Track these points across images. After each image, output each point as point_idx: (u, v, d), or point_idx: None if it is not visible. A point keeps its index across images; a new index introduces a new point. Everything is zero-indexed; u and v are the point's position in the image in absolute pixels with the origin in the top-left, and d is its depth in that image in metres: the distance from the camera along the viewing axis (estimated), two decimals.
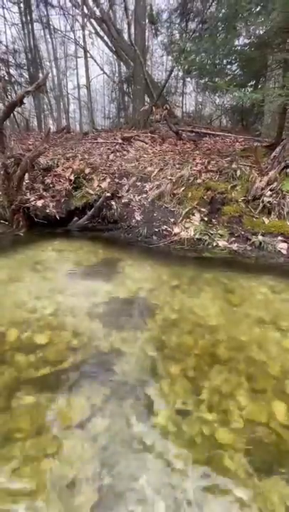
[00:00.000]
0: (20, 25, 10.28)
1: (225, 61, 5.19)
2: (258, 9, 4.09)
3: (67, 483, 1.11)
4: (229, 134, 7.71)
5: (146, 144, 6.70)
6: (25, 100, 4.54)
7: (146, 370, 1.68)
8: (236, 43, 5.06)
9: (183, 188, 4.41)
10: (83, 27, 8.90)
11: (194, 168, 4.75)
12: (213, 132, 8.00)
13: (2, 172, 4.16)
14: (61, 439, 1.28)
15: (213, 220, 4.01)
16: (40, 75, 9.91)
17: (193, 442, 1.28)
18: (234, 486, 1.12)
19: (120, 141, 6.61)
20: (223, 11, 4.58)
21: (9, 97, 8.52)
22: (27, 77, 10.40)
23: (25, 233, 4.26)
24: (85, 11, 9.21)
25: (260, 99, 3.79)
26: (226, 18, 4.54)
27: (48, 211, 4.31)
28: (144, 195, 4.52)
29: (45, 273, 2.95)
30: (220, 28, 5.01)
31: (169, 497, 1.08)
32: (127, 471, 1.16)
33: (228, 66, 5.41)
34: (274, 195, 3.88)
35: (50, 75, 12.60)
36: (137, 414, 1.40)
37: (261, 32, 4.74)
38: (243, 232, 3.75)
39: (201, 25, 7.41)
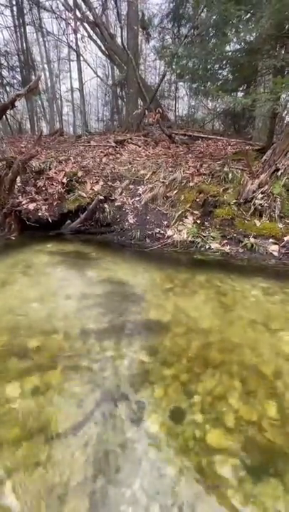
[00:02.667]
0: (12, 28, 10.27)
1: (216, 66, 5.27)
2: (247, 16, 4.17)
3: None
4: (221, 138, 7.82)
5: (140, 147, 6.74)
6: (18, 103, 4.52)
7: (138, 374, 1.68)
8: (227, 48, 5.15)
9: (176, 191, 4.43)
10: (75, 30, 8.94)
11: (187, 171, 4.79)
12: (206, 136, 8.10)
13: None
14: (52, 444, 1.26)
15: (206, 223, 4.04)
16: (33, 77, 9.88)
17: (186, 445, 1.27)
18: (227, 489, 1.12)
19: (113, 144, 6.62)
20: (214, 17, 4.65)
21: (1, 99, 8.47)
22: (20, 79, 10.37)
23: (17, 237, 4.21)
24: (78, 14, 9.26)
25: (249, 104, 3.86)
26: (217, 24, 4.61)
27: (40, 214, 4.28)
28: (137, 198, 4.53)
29: (37, 277, 2.92)
30: (211, 34, 5.09)
31: (161, 503, 1.07)
32: (119, 476, 1.15)
33: (220, 71, 5.49)
34: (265, 197, 3.93)
35: (42, 77, 12.60)
36: (129, 418, 1.39)
37: (251, 38, 4.83)
38: (235, 235, 3.79)
39: (192, 31, 7.51)
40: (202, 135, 8.17)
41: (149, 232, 4.09)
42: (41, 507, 1.05)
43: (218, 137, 7.91)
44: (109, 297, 2.55)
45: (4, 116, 7.98)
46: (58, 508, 1.05)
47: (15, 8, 9.94)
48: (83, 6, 9.33)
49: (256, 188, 4.00)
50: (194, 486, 1.13)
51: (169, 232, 3.99)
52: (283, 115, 6.88)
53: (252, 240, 3.65)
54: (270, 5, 3.66)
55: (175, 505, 1.07)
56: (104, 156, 5.91)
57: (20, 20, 9.98)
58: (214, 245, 3.72)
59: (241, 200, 4.03)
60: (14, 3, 9.82)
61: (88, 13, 9.33)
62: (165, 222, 4.15)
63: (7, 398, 1.49)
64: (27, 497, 1.08)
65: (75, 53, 10.69)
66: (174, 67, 5.48)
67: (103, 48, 10.17)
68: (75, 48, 10.33)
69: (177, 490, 1.11)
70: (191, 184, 4.49)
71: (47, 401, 1.47)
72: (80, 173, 4.86)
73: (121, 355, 1.82)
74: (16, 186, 4.44)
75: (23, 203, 4.33)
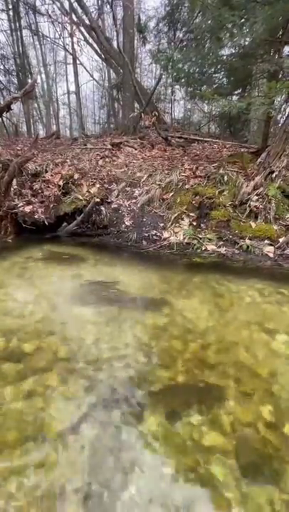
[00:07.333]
0: (8, 31, 10.30)
1: (211, 70, 5.33)
2: (241, 21, 4.23)
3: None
4: (217, 140, 7.88)
5: (136, 149, 6.77)
6: (14, 106, 4.53)
7: (135, 376, 1.68)
8: (222, 52, 5.22)
9: (172, 194, 4.46)
10: (72, 34, 8.98)
11: (183, 174, 4.82)
12: (202, 138, 8.16)
13: None
14: (49, 447, 1.25)
15: (202, 225, 4.06)
16: (29, 80, 9.89)
17: (183, 446, 1.28)
18: (223, 490, 1.12)
19: (110, 146, 6.65)
20: (209, 22, 4.72)
21: None
22: (16, 82, 10.39)
23: (13, 239, 4.20)
24: (74, 18, 9.31)
25: (244, 108, 3.90)
26: (211, 29, 4.68)
27: (36, 217, 4.27)
28: (134, 201, 4.54)
29: (33, 279, 2.91)
30: (206, 39, 5.16)
31: (158, 504, 1.07)
32: (116, 478, 1.14)
33: (215, 75, 5.56)
34: (260, 199, 3.97)
35: (39, 80, 12.63)
36: (126, 419, 1.39)
37: (245, 43, 4.90)
38: (231, 236, 3.82)
39: (187, 35, 7.60)
40: (198, 138, 8.23)
41: (146, 234, 4.10)
42: (38, 510, 1.05)
43: (214, 140, 7.98)
44: (106, 299, 2.55)
45: (0, 119, 7.98)
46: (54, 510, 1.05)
47: (11, 12, 9.98)
48: (79, 10, 9.39)
49: (251, 190, 4.04)
50: (191, 484, 1.13)
51: (166, 234, 4.01)
52: (278, 118, 6.97)
53: (247, 241, 3.68)
54: (263, 10, 3.72)
55: (171, 506, 1.07)
56: (101, 158, 5.93)
57: (17, 24, 10.02)
58: (210, 247, 3.74)
59: (237, 202, 4.06)
60: (10, 7, 9.86)
61: (84, 17, 9.39)
62: (161, 225, 4.17)
63: (3, 401, 1.48)
64: (24, 499, 1.07)
65: (71, 57, 10.74)
66: (169, 70, 5.53)
67: (99, 51, 10.23)
68: (71, 51, 10.37)
69: (174, 490, 1.11)
70: (187, 186, 4.52)
71: (44, 403, 1.47)
72: (76, 176, 4.87)
73: (118, 356, 1.82)
74: (12, 189, 4.43)
75: (19, 205, 4.32)
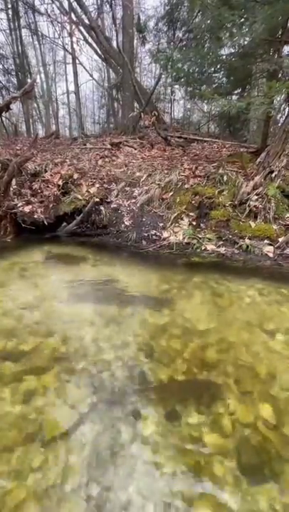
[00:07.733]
0: (8, 31, 10.28)
1: (211, 70, 5.32)
2: (241, 21, 4.22)
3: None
4: (216, 140, 7.88)
5: (135, 149, 6.76)
6: (13, 105, 4.52)
7: (135, 375, 1.67)
8: (222, 52, 5.21)
9: (171, 193, 4.45)
10: (71, 34, 8.97)
11: (182, 174, 4.82)
12: (201, 138, 8.16)
13: None
14: (48, 450, 1.25)
15: (202, 225, 4.06)
16: (29, 80, 9.87)
17: (182, 446, 1.27)
18: (223, 491, 1.12)
19: (109, 146, 6.64)
20: (208, 21, 4.71)
21: None
22: (15, 82, 10.38)
23: (13, 239, 4.20)
24: (73, 18, 9.29)
25: (244, 108, 3.90)
26: (211, 28, 4.67)
27: (35, 217, 4.27)
28: (133, 200, 4.54)
29: (33, 279, 2.91)
30: (205, 38, 5.15)
31: (157, 504, 1.07)
32: (115, 478, 1.14)
33: (215, 75, 5.55)
34: (260, 199, 3.97)
35: (38, 80, 12.61)
36: (126, 418, 1.39)
37: (245, 42, 4.89)
38: (230, 236, 3.82)
39: (187, 35, 7.59)
40: (197, 137, 8.22)
41: (145, 234, 4.09)
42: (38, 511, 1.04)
43: (214, 140, 7.97)
44: (106, 299, 2.55)
45: None
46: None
47: (10, 12, 9.96)
48: (78, 10, 9.36)
49: (251, 190, 4.04)
50: (190, 485, 1.13)
51: (165, 234, 4.01)
52: (277, 118, 6.97)
53: (247, 241, 3.67)
54: (262, 10, 3.71)
55: (171, 506, 1.06)
56: (100, 158, 5.92)
57: (16, 24, 10.00)
58: (210, 247, 3.74)
59: (236, 202, 4.06)
60: (9, 6, 9.84)
61: (84, 16, 9.37)
62: (161, 224, 4.17)
63: (2, 401, 1.47)
64: (24, 500, 1.07)
65: (70, 56, 10.72)
66: (169, 70, 5.52)
67: (99, 51, 10.21)
68: (70, 51, 10.36)
69: (173, 490, 1.11)
70: (187, 186, 4.51)
71: (43, 403, 1.46)
72: (75, 176, 4.86)
73: (117, 355, 1.82)
74: (11, 189, 4.43)
75: (18, 205, 4.31)
